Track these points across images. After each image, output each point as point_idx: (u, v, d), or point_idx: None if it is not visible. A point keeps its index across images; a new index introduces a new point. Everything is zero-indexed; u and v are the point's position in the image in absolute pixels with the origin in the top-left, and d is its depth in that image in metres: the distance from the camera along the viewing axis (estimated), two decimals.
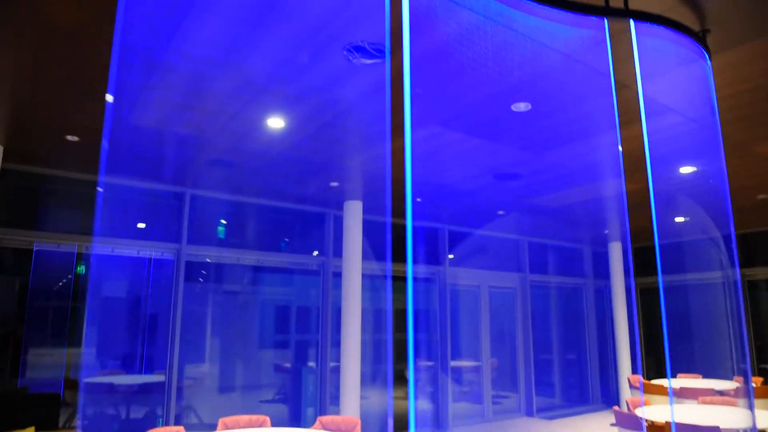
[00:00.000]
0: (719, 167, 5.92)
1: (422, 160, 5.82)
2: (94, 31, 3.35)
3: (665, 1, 3.07)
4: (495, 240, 10.54)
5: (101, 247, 6.69)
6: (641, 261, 11.57)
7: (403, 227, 8.99)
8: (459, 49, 3.52)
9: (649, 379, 9.37)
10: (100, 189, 6.64)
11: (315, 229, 8.16)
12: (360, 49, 3.54)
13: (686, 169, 6.11)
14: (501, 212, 8.66)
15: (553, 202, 7.85)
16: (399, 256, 9.18)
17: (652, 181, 6.72)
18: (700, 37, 3.26)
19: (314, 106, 4.39)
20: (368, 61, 3.68)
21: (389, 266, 8.65)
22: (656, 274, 11.26)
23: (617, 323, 10.72)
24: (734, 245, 9.86)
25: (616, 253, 11.05)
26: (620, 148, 5.30)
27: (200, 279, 7.26)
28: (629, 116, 4.60)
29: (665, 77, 3.79)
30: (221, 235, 7.36)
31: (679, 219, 8.96)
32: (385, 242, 8.40)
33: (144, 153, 5.67)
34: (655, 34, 3.13)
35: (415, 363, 9.03)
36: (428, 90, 4.13)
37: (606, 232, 10.35)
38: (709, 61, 3.43)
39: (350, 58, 3.63)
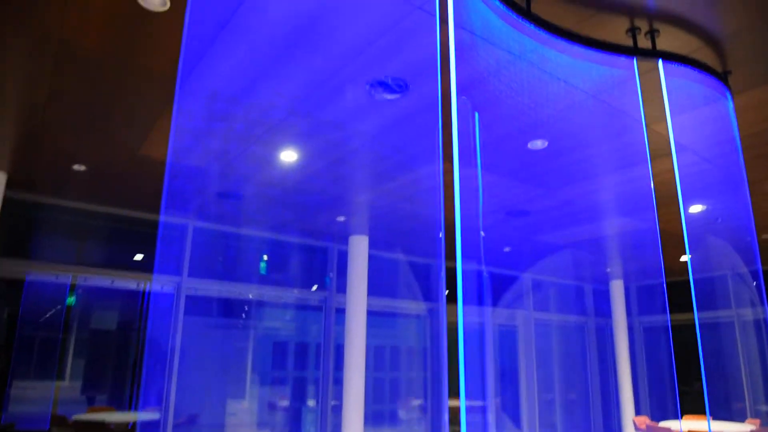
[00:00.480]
0: (741, 204, 5.92)
1: (432, 194, 5.78)
2: (111, 58, 3.32)
3: (691, 42, 3.08)
4: (500, 277, 10.45)
5: (100, 279, 6.54)
6: (647, 299, 11.50)
7: (409, 263, 8.90)
8: (482, 85, 3.51)
9: (655, 420, 9.18)
10: (158, 226, 6.61)
11: (318, 263, 8.05)
12: (383, 84, 3.53)
13: (696, 208, 6.11)
14: (507, 249, 8.61)
15: (559, 240, 7.81)
16: (398, 292, 9.05)
17: (657, 220, 6.71)
18: (723, 77, 3.28)
19: (329, 141, 4.36)
20: (390, 96, 3.67)
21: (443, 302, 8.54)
22: (661, 312, 11.18)
23: (619, 362, 10.57)
24: (761, 283, 9.80)
25: (617, 291, 10.98)
26: (652, 185, 5.28)
27: (205, 313, 7.10)
28: (654, 153, 4.60)
29: (690, 115, 3.81)
30: (263, 271, 7.27)
31: (684, 257, 8.93)
32: (439, 282, 8.29)
33: (150, 185, 5.60)
34: (680, 74, 3.14)
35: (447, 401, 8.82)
36: (445, 126, 4.11)
37: (608, 270, 10.30)
38: (731, 101, 3.45)
39: (373, 92, 3.62)
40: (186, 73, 3.46)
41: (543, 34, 2.75)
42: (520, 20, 2.64)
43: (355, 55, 3.22)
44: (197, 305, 6.94)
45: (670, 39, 3.06)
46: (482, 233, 7.31)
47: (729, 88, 3.36)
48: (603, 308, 11.71)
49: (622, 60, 2.96)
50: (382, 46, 3.13)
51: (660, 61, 2.99)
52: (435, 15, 2.83)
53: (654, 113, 3.82)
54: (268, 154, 4.68)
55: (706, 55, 3.20)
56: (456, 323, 9.44)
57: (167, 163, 4.92)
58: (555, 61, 3.07)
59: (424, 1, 2.76)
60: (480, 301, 10.04)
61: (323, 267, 8.06)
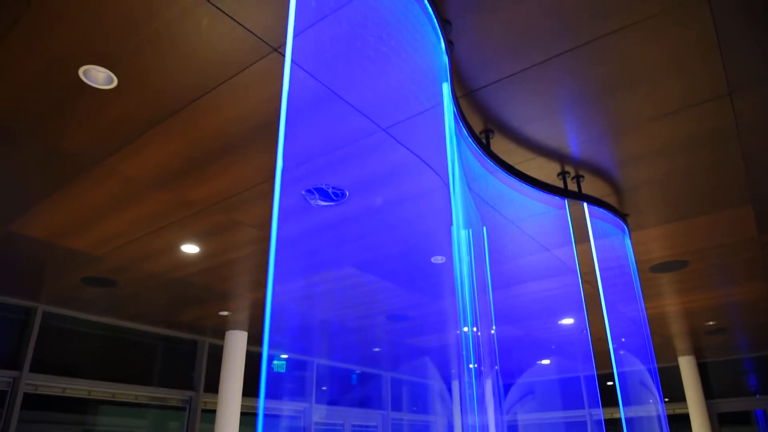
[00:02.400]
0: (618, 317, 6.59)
1: (326, 297, 5.63)
2: (27, 128, 2.85)
3: (604, 188, 3.52)
4: (364, 376, 10.29)
5: None
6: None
7: (263, 356, 8.40)
8: (401, 206, 3.60)
9: None
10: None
11: (185, 358, 7.27)
12: (321, 192, 3.46)
13: (567, 321, 6.71)
14: (377, 349, 8.58)
15: (426, 344, 8.02)
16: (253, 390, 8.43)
17: (532, 330, 7.21)
18: (623, 218, 3.75)
19: (227, 238, 4.10)
20: (324, 204, 3.59)
21: None
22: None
23: None
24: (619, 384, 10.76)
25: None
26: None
27: (46, 411, 5.90)
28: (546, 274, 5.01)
29: (587, 245, 4.27)
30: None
31: (544, 361, 9.65)
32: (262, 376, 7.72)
33: (11, 264, 4.74)
34: (593, 212, 3.53)
35: None
36: (360, 235, 4.10)
37: (452, 371, 10.77)
38: (629, 236, 3.95)
39: (308, 198, 3.51)
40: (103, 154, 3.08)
41: (498, 170, 2.94)
42: (482, 155, 2.79)
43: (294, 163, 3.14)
44: (36, 403, 5.79)
45: (590, 184, 3.46)
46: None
47: (628, 226, 3.84)
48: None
49: (556, 200, 3.25)
50: (331, 160, 3.10)
51: (566, 201, 3.34)
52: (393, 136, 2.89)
53: (561, 240, 4.23)
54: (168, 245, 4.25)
55: (614, 200, 3.65)
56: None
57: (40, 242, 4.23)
58: (496, 190, 3.29)
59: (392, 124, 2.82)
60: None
61: (191, 363, 7.29)
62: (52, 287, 5.35)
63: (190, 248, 4.33)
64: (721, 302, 6.19)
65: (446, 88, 2.37)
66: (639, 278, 5.14)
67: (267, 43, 2.33)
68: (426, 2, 1.98)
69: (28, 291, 5.50)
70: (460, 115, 2.58)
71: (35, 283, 5.23)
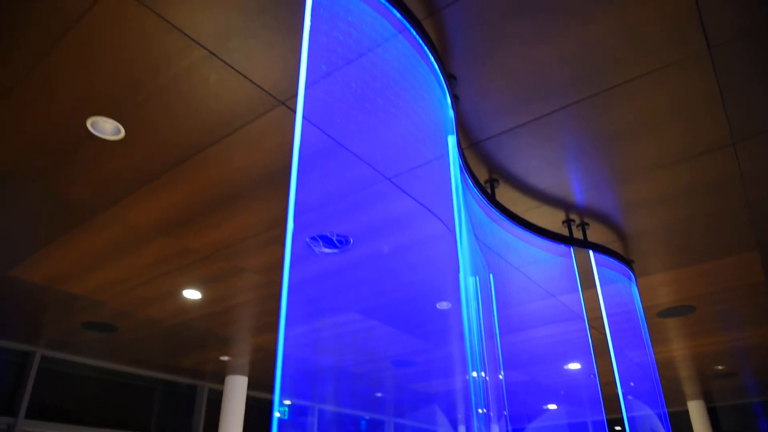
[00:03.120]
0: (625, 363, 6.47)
1: (330, 342, 5.55)
2: (35, 175, 2.86)
3: (608, 235, 3.50)
4: (369, 422, 10.06)
5: None
6: None
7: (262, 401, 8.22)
8: (406, 253, 3.58)
9: None
10: None
11: (184, 404, 7.12)
12: (325, 239, 3.44)
13: (575, 366, 6.58)
14: (380, 395, 8.41)
15: (433, 389, 7.86)
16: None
17: (540, 374, 7.08)
18: (629, 264, 3.72)
19: (230, 283, 4.07)
20: (329, 251, 3.58)
21: None
22: None
23: None
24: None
25: None
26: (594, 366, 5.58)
27: None
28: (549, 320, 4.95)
29: (594, 291, 4.23)
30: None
31: (552, 406, 9.43)
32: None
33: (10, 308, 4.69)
34: (599, 260, 3.50)
35: None
36: (365, 281, 4.07)
37: (458, 416, 10.53)
38: (635, 282, 3.92)
39: (313, 245, 3.50)
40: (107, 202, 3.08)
41: (503, 219, 2.93)
42: (487, 205, 2.79)
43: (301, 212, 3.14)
44: None
45: (595, 231, 3.45)
46: None
47: (633, 272, 3.81)
48: None
49: (562, 248, 3.24)
50: (337, 209, 3.10)
51: (571, 249, 3.32)
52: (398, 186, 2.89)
53: (568, 286, 4.18)
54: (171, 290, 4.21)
55: (619, 246, 3.63)
56: None
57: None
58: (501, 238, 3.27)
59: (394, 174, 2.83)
60: None
61: (190, 408, 7.14)
62: (51, 331, 5.28)
63: (192, 294, 4.29)
64: (730, 347, 6.09)
65: (452, 141, 2.38)
66: (646, 323, 5.07)
67: (274, 97, 2.35)
68: (432, 59, 2.01)
69: (27, 335, 5.43)
70: (465, 165, 2.58)
71: (34, 327, 5.17)
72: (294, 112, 2.42)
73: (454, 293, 4.25)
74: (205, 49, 2.11)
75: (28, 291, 4.23)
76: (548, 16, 2.01)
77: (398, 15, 1.82)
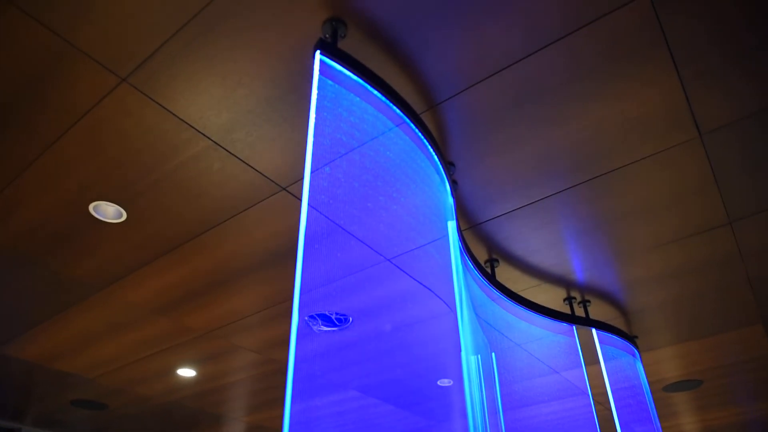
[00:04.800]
0: None
1: (327, 420, 5.40)
2: (37, 256, 2.87)
3: (610, 311, 3.50)
4: None
5: None
6: None
7: None
8: (405, 331, 3.56)
9: None
10: None
11: None
12: (323, 317, 3.43)
13: None
14: None
15: None
16: None
17: None
18: (632, 340, 3.69)
19: (225, 362, 4.01)
20: (327, 329, 3.55)
21: None
22: None
23: None
24: None
25: None
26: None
27: None
28: (556, 396, 4.84)
29: (596, 367, 4.16)
30: None
31: None
32: None
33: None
34: (603, 338, 3.48)
35: None
36: (364, 359, 4.02)
37: None
38: (639, 357, 3.87)
39: (311, 324, 3.48)
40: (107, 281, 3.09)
41: (503, 298, 2.93)
42: (487, 285, 2.80)
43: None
44: None
45: (597, 308, 3.44)
46: None
47: (637, 348, 3.77)
48: None
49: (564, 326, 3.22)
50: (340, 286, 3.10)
51: (574, 327, 3.30)
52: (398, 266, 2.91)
53: (571, 363, 4.12)
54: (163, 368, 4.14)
55: (622, 322, 3.62)
56: None
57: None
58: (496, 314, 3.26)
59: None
60: None
61: None
62: (39, 408, 5.13)
63: (186, 372, 4.21)
64: (740, 420, 5.94)
65: (452, 226, 2.42)
66: (653, 398, 4.97)
67: (276, 183, 2.41)
68: (430, 149, 2.08)
69: (12, 411, 5.28)
70: (465, 246, 2.61)
71: (21, 403, 5.03)
72: (295, 197, 2.48)
73: (455, 370, 4.19)
74: (210, 139, 2.18)
75: (18, 368, 4.15)
76: (545, 107, 2.10)
77: (398, 111, 1.89)
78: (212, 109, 2.05)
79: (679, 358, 4.24)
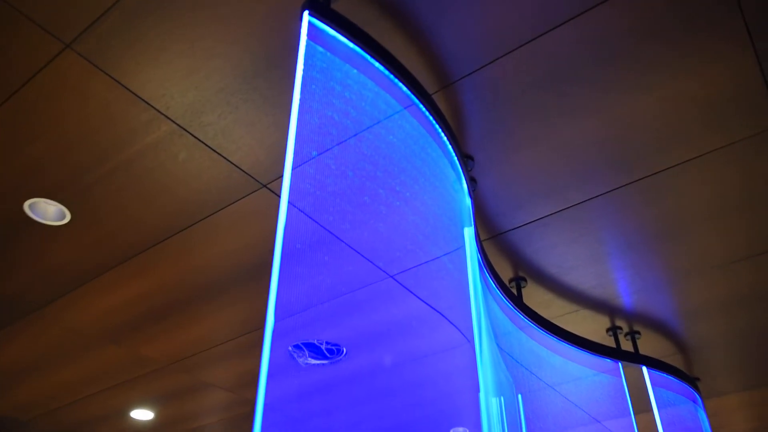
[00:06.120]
0: None
1: None
2: None
3: (667, 346, 3.45)
4: None
5: None
6: None
7: None
8: (411, 367, 3.53)
9: None
10: None
11: None
12: (311, 348, 3.39)
13: None
14: None
15: None
16: None
17: None
18: (692, 383, 3.64)
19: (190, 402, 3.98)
20: (316, 362, 3.52)
21: None
22: None
23: None
24: None
25: None
26: None
27: None
28: None
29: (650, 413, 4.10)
30: None
31: None
32: None
33: None
34: (656, 379, 3.43)
35: None
36: (360, 400, 3.98)
37: None
38: (702, 404, 3.82)
39: (296, 355, 3.44)
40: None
41: (532, 326, 2.90)
42: (513, 310, 2.77)
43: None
44: None
45: (648, 341, 3.40)
46: None
47: (699, 392, 3.72)
48: None
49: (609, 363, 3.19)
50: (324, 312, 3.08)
51: (619, 364, 3.26)
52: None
53: (616, 409, 4.06)
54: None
55: (679, 360, 3.57)
56: None
57: None
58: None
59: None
60: None
61: None
62: None
63: (142, 414, 4.17)
64: None
65: (469, 233, 2.39)
66: None
67: (255, 179, 2.39)
68: (444, 138, 2.05)
69: None
70: (486, 261, 2.58)
71: None
72: (278, 196, 2.46)
73: (472, 416, 4.14)
74: (174, 123, 2.17)
75: None
76: (586, 87, 2.08)
77: (404, 89, 1.87)
78: (177, 85, 2.03)
79: (751, 407, 4.18)
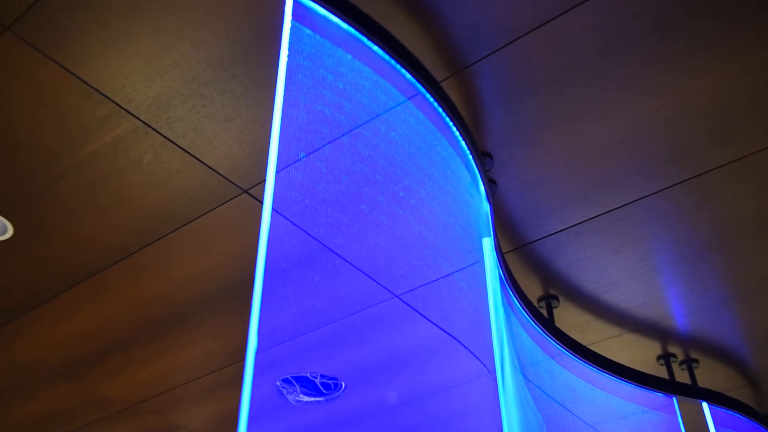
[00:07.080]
0: None
1: None
2: None
3: (731, 377, 3.47)
4: None
5: None
6: None
7: None
8: (421, 404, 3.56)
9: None
10: None
11: None
12: (303, 382, 3.43)
13: None
14: None
15: None
16: None
17: None
18: (765, 422, 3.66)
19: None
20: (309, 399, 3.55)
21: None
22: None
23: None
24: None
25: None
26: None
27: None
28: None
29: None
30: None
31: None
32: None
33: None
34: (719, 417, 3.45)
35: None
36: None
37: None
38: None
39: (285, 392, 3.48)
40: None
41: (565, 353, 2.92)
42: (543, 334, 2.79)
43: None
44: None
45: (707, 371, 3.42)
46: None
47: None
48: None
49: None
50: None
51: (674, 399, 3.28)
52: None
53: None
54: None
55: (746, 394, 3.59)
56: None
57: None
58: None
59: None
60: None
61: None
62: None
63: None
64: None
65: (488, 244, 2.42)
66: None
67: (234, 183, 2.43)
68: (456, 133, 2.08)
69: None
70: (509, 277, 2.61)
71: None
72: (261, 203, 2.49)
73: None
74: (138, 119, 2.20)
75: None
76: (627, 67, 2.10)
77: (408, 76, 1.90)
78: (140, 74, 2.07)
79: None
